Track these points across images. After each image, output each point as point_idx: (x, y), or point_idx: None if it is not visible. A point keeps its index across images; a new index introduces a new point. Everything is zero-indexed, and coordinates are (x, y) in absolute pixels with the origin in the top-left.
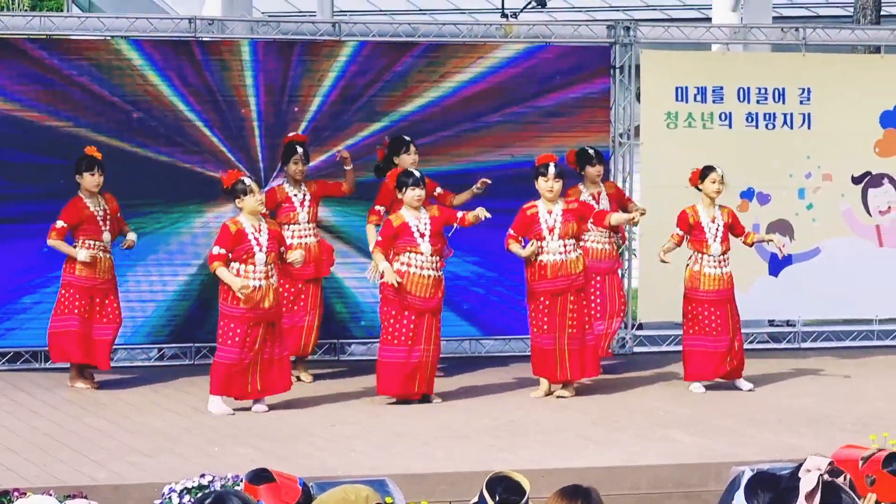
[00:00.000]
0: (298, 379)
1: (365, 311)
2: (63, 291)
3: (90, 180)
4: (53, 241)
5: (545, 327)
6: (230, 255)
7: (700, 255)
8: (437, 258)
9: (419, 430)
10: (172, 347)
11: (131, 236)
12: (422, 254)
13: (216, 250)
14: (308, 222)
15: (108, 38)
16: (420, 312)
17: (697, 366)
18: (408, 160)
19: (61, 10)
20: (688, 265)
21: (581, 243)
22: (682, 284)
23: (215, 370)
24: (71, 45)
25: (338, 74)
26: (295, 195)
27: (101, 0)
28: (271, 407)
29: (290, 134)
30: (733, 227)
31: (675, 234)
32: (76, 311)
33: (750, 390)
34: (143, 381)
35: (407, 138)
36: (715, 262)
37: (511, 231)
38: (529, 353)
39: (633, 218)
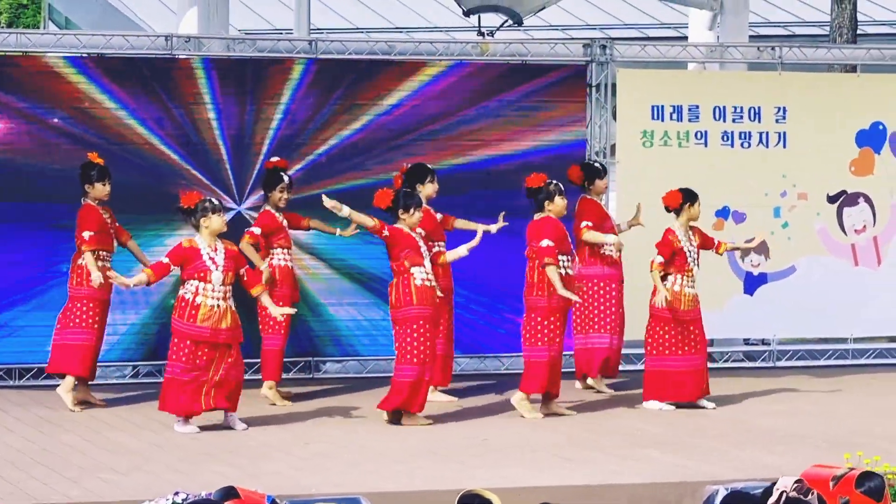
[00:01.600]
0: (274, 404)
1: (340, 329)
2: (75, 305)
3: (102, 190)
4: (88, 256)
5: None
6: (177, 268)
7: (680, 276)
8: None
9: (393, 449)
10: (147, 365)
11: (132, 244)
12: (425, 267)
13: (163, 260)
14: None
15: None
16: (435, 324)
17: (672, 386)
18: (431, 189)
19: (38, 27)
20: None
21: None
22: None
23: (165, 387)
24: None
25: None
26: (282, 221)
27: (79, 17)
28: (246, 424)
29: (273, 159)
30: (704, 243)
31: (659, 263)
32: (91, 324)
33: (713, 409)
34: (117, 399)
35: (429, 167)
36: (692, 282)
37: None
38: (503, 371)
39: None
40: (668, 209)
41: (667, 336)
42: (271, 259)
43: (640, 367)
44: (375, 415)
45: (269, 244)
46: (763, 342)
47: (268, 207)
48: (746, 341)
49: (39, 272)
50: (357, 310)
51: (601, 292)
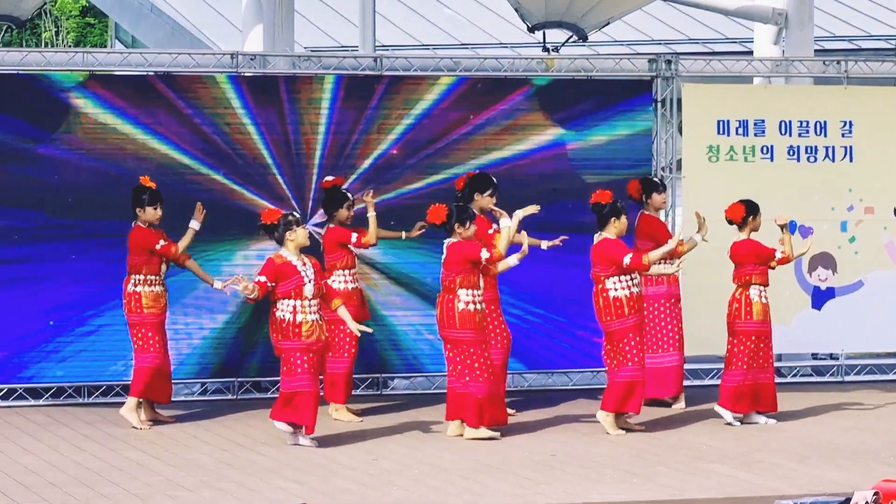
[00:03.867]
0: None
1: (407, 346)
2: (138, 331)
3: (153, 214)
4: (192, 263)
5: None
6: (272, 285)
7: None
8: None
9: (459, 465)
10: (216, 382)
11: (219, 284)
12: (479, 288)
13: (258, 278)
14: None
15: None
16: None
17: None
18: (489, 202)
19: (104, 47)
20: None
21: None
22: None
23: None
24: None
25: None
26: (351, 231)
27: (145, 36)
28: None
29: (329, 178)
30: None
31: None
32: (153, 348)
33: (774, 423)
34: (186, 416)
35: (494, 180)
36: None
37: None
38: (570, 388)
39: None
40: (730, 222)
41: (745, 349)
42: (333, 281)
43: (696, 382)
44: (442, 430)
45: (332, 265)
46: (831, 357)
47: (332, 225)
48: (814, 356)
49: (110, 289)
50: (423, 324)
51: (665, 311)
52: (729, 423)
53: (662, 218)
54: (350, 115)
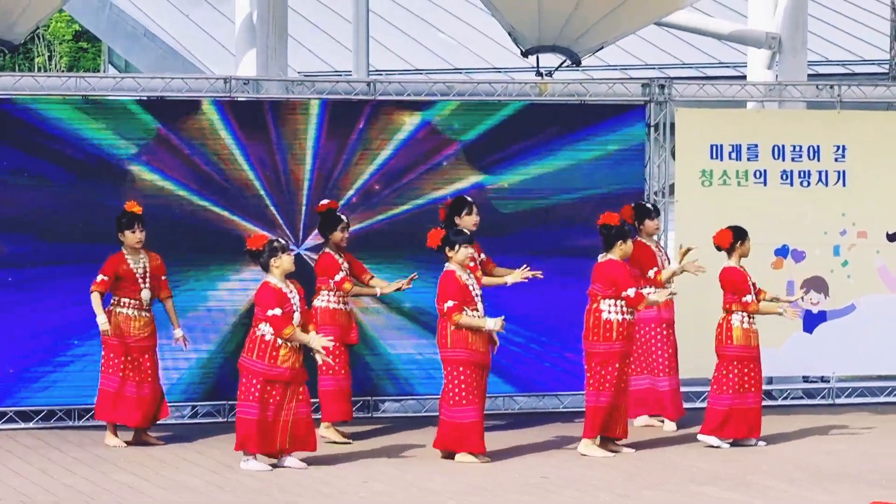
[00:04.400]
0: (335, 443)
1: (398, 369)
2: (104, 351)
3: (131, 238)
4: (94, 297)
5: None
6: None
7: (741, 313)
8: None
9: (449, 487)
10: (206, 405)
11: (178, 333)
12: (478, 310)
13: (277, 313)
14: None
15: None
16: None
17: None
18: (469, 221)
19: (98, 71)
20: (733, 324)
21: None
22: (716, 342)
23: (239, 427)
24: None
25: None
26: (342, 263)
27: (138, 60)
28: (305, 462)
29: (325, 202)
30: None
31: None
32: (111, 370)
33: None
34: (176, 439)
35: (469, 199)
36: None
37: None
38: (562, 410)
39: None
40: (719, 248)
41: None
42: (319, 299)
43: (686, 405)
44: (433, 453)
45: (322, 285)
46: (822, 380)
47: (328, 249)
48: (806, 379)
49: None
50: (414, 347)
51: (659, 335)
52: (715, 447)
53: (654, 245)
54: (335, 142)
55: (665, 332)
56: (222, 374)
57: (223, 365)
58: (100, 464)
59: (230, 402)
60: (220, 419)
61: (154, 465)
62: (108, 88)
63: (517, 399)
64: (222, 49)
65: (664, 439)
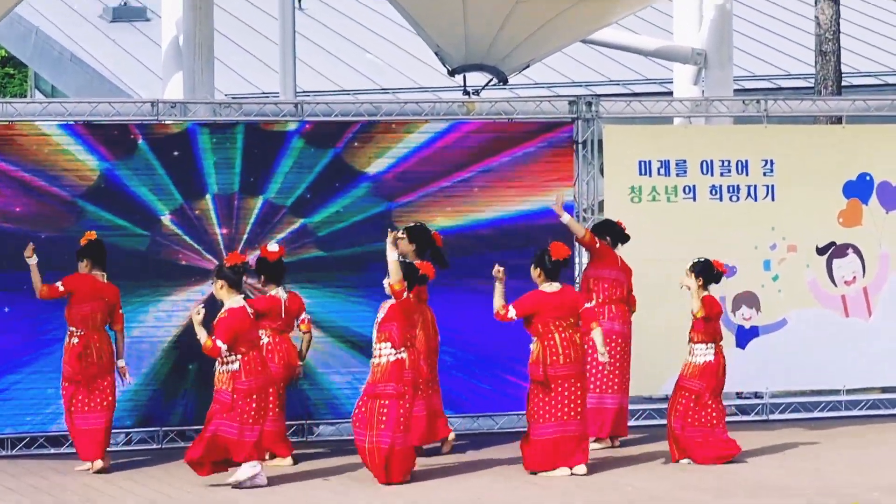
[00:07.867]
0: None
1: (336, 395)
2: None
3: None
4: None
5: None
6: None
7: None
8: None
9: None
10: (139, 432)
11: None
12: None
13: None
14: None
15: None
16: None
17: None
18: (402, 246)
19: (24, 96)
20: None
21: None
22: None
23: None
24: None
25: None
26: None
27: (65, 85)
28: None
29: (273, 248)
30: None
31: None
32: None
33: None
34: (112, 466)
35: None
36: None
37: None
38: (496, 430)
39: None
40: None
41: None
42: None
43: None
44: (368, 477)
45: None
46: (756, 395)
47: (272, 293)
48: (739, 395)
49: (31, 340)
50: (353, 375)
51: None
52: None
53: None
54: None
55: (621, 348)
56: (155, 400)
57: (156, 391)
58: (34, 494)
59: (164, 429)
60: (154, 445)
61: (90, 494)
62: (34, 114)
63: (452, 421)
64: (149, 72)
65: (607, 459)
